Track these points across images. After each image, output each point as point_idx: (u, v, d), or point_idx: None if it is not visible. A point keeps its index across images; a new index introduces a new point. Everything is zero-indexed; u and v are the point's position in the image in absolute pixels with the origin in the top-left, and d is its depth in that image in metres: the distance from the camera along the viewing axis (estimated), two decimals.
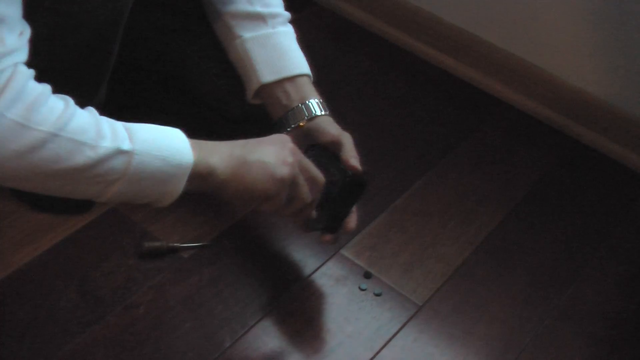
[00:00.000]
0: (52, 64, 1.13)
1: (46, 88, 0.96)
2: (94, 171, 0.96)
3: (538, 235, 1.43)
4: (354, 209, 1.24)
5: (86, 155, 0.94)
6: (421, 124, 1.62)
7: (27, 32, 0.96)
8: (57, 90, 1.13)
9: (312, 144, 1.23)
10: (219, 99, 1.39)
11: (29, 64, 1.07)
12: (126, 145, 0.96)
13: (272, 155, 1.09)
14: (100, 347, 1.17)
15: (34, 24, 1.07)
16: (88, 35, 1.12)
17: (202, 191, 1.06)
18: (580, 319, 1.30)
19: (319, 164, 1.20)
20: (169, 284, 1.26)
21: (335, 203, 1.20)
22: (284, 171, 1.08)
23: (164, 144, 1.00)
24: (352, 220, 1.24)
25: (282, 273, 1.31)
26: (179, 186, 1.02)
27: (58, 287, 1.24)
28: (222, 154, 1.06)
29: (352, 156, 1.21)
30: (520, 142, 1.61)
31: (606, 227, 1.45)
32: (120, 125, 0.98)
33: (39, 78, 1.10)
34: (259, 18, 1.28)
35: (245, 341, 1.21)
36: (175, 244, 1.31)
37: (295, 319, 1.25)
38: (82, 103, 1.16)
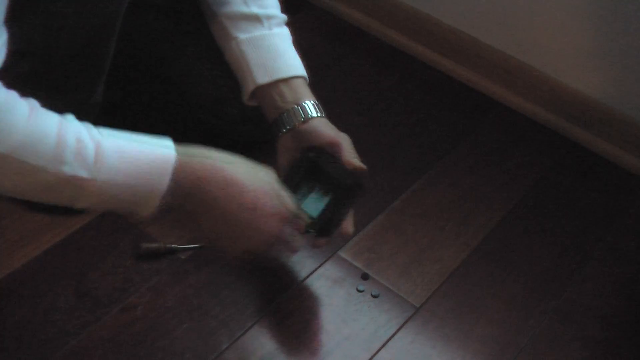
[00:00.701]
0: (47, 65, 1.13)
1: (9, 98, 0.92)
2: (52, 191, 0.96)
3: (535, 237, 1.43)
4: (350, 212, 1.24)
5: (40, 177, 0.93)
6: (418, 125, 1.62)
7: (1, 38, 0.93)
8: (52, 91, 1.13)
9: (310, 146, 1.23)
10: (217, 101, 1.39)
11: (23, 64, 1.07)
12: (85, 173, 0.94)
13: (248, 231, 1.09)
14: (97, 348, 1.17)
15: (28, 25, 1.07)
16: (83, 37, 1.12)
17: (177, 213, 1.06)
18: (577, 320, 1.30)
19: (317, 167, 1.20)
20: (166, 285, 1.26)
21: (333, 207, 1.20)
22: (259, 246, 1.11)
23: (134, 172, 0.98)
24: (349, 225, 1.24)
25: (280, 274, 1.31)
26: (150, 209, 1.01)
27: (56, 288, 1.24)
28: (202, 192, 1.03)
29: (353, 156, 1.21)
30: (517, 144, 1.61)
31: (604, 229, 1.46)
32: (91, 146, 0.95)
33: (35, 79, 1.10)
34: (255, 19, 1.28)
35: (243, 343, 1.21)
36: (173, 246, 1.31)
37: (293, 320, 1.25)
38: (78, 104, 1.16)
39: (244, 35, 1.27)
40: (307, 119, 1.23)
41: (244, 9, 1.28)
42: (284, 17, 1.31)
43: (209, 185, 1.04)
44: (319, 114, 1.24)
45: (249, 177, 1.08)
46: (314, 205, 1.21)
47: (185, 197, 1.02)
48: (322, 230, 1.22)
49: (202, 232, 1.11)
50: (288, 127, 1.23)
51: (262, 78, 1.25)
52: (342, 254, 1.35)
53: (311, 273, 1.31)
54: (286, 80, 1.26)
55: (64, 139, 0.94)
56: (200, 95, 1.40)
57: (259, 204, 1.07)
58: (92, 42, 1.14)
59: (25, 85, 1.12)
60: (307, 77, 1.28)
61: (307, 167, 1.22)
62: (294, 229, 1.14)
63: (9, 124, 0.91)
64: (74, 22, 1.09)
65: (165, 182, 0.99)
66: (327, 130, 1.24)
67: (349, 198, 1.21)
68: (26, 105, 0.94)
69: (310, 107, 1.24)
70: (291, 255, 1.25)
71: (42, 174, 0.93)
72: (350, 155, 1.21)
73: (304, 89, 1.27)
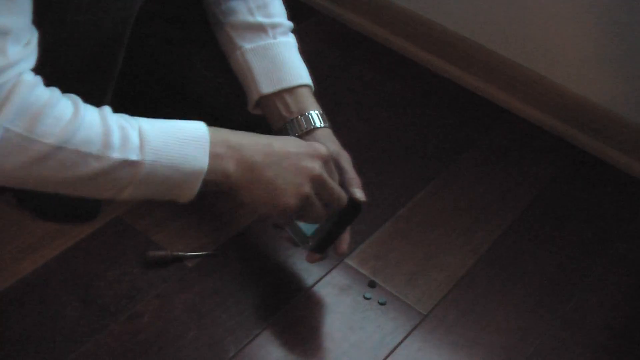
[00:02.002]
0: (56, 73, 1.13)
1: (54, 94, 0.96)
2: (101, 180, 0.97)
3: (542, 244, 1.42)
4: (347, 230, 1.23)
5: (92, 166, 0.95)
6: (425, 132, 1.62)
7: (34, 38, 0.96)
8: None
9: None
10: (223, 108, 1.39)
11: (36, 71, 1.07)
12: (135, 156, 0.97)
13: (287, 179, 1.08)
14: (104, 356, 1.17)
15: (40, 32, 1.07)
16: (93, 45, 1.12)
17: (219, 191, 1.08)
18: (584, 328, 1.30)
19: None
20: (173, 293, 1.26)
21: (331, 224, 1.19)
22: (290, 202, 1.09)
23: (177, 152, 1.00)
24: (344, 243, 1.23)
25: (286, 282, 1.31)
26: (194, 190, 1.04)
27: (62, 296, 1.24)
28: (240, 160, 1.06)
29: (354, 181, 1.20)
30: (524, 151, 1.61)
31: (611, 236, 1.45)
32: (133, 131, 0.98)
33: (46, 86, 1.10)
34: (260, 28, 1.28)
35: (250, 350, 1.21)
36: (180, 253, 1.31)
37: (300, 328, 1.25)
38: None
39: (248, 45, 1.27)
40: (311, 129, 1.23)
41: (249, 18, 1.28)
42: (290, 24, 1.31)
43: (243, 149, 1.06)
44: (323, 125, 1.24)
45: (279, 138, 1.12)
46: (309, 223, 1.21)
47: (225, 172, 1.05)
48: (317, 247, 1.21)
49: (244, 199, 1.10)
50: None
51: (266, 88, 1.25)
52: (349, 261, 1.35)
53: (318, 281, 1.31)
54: (291, 90, 1.25)
55: (108, 126, 0.97)
56: (207, 103, 1.40)
57: (294, 151, 1.09)
58: (101, 51, 1.15)
59: None
60: (312, 86, 1.28)
61: None
62: (326, 199, 1.13)
63: (58, 117, 0.93)
64: (84, 31, 1.09)
65: (205, 158, 1.02)
66: (329, 144, 1.23)
67: (344, 219, 1.20)
68: (69, 99, 0.97)
69: (315, 117, 1.24)
70: (335, 204, 1.16)
71: (94, 162, 0.95)
72: (350, 179, 1.20)
73: (308, 98, 1.26)
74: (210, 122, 1.41)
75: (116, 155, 0.96)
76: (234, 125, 1.40)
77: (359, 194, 1.19)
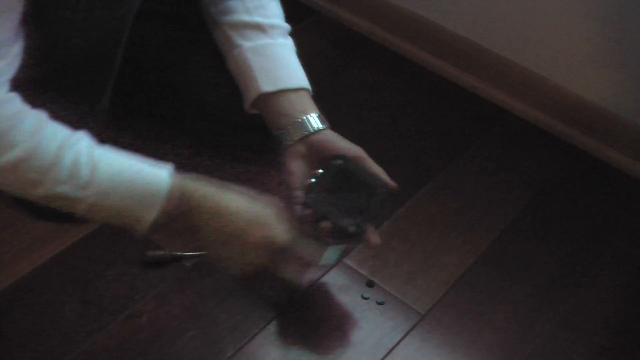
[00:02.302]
0: (54, 72, 1.13)
1: (18, 113, 1.00)
2: (51, 202, 1.04)
3: (541, 244, 1.42)
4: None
5: (40, 190, 1.02)
6: (424, 132, 1.62)
7: (14, 47, 0.99)
8: (59, 98, 1.13)
9: (335, 155, 1.22)
10: (222, 108, 1.39)
11: (31, 71, 1.07)
12: (77, 194, 1.01)
13: (234, 257, 1.11)
14: (102, 356, 1.17)
15: (37, 32, 1.07)
16: (91, 43, 1.12)
17: None
18: (582, 328, 1.30)
19: (352, 176, 1.21)
20: (171, 293, 1.26)
21: (369, 214, 1.20)
22: (238, 273, 1.12)
23: (123, 201, 1.04)
24: (374, 236, 1.22)
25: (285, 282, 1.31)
26: (141, 229, 1.06)
27: (61, 296, 1.24)
28: (185, 226, 1.08)
29: (380, 170, 1.22)
30: (523, 151, 1.61)
31: (609, 236, 1.45)
32: (84, 170, 1.01)
33: (42, 86, 1.11)
34: (259, 28, 1.28)
35: (248, 350, 1.21)
36: (178, 253, 1.31)
37: (298, 327, 1.25)
38: (85, 110, 1.16)
39: (248, 43, 1.27)
40: (317, 130, 1.23)
41: (246, 18, 1.28)
42: (288, 27, 1.31)
43: (199, 214, 1.07)
44: (323, 126, 1.24)
45: (240, 208, 1.10)
46: (350, 209, 1.20)
47: (173, 224, 1.07)
48: (356, 236, 1.21)
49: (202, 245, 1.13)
50: (298, 138, 1.23)
51: (266, 86, 1.25)
52: (348, 261, 1.35)
53: (316, 280, 1.31)
54: (291, 91, 1.25)
55: (61, 159, 1.01)
56: (205, 103, 1.40)
57: (245, 234, 1.09)
58: (100, 50, 1.15)
59: (32, 92, 1.13)
60: (311, 90, 1.28)
61: (335, 174, 1.22)
62: (294, 262, 1.14)
63: (14, 139, 0.98)
64: (83, 30, 1.10)
65: (153, 211, 1.04)
66: (341, 141, 1.23)
67: (381, 207, 1.21)
68: (35, 119, 1.01)
69: (315, 119, 1.24)
70: (291, 287, 1.22)
71: (40, 187, 1.02)
72: (374, 167, 1.22)
73: (308, 101, 1.27)
74: (208, 122, 1.42)
75: (59, 188, 1.01)
76: (232, 124, 1.40)
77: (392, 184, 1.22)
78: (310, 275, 1.22)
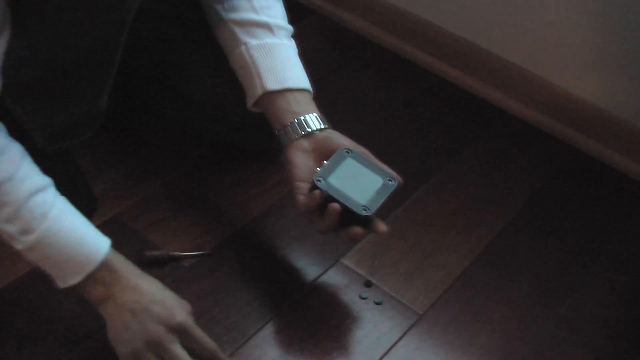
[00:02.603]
0: (53, 72, 1.13)
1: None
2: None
3: (539, 244, 1.43)
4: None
5: None
6: (421, 132, 1.62)
7: None
8: (58, 99, 1.14)
9: (346, 148, 1.22)
10: (218, 107, 1.39)
11: (29, 72, 1.07)
12: (20, 237, 1.07)
13: (129, 329, 1.11)
14: (101, 357, 1.17)
15: (35, 33, 1.07)
16: (91, 43, 1.12)
17: None
18: (580, 328, 1.30)
19: (360, 166, 1.21)
20: None
21: (377, 202, 1.19)
22: (124, 349, 1.12)
23: (57, 258, 1.09)
24: (382, 223, 1.21)
25: (283, 282, 1.31)
26: (65, 284, 1.11)
27: (58, 297, 1.23)
28: (107, 299, 1.12)
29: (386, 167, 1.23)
30: (520, 151, 1.61)
31: (607, 235, 1.45)
32: (37, 217, 1.06)
33: (41, 87, 1.11)
34: (266, 27, 1.28)
35: (246, 350, 1.21)
36: (176, 253, 1.31)
37: (296, 327, 1.25)
38: (83, 111, 1.16)
39: (254, 41, 1.27)
40: (320, 129, 1.23)
41: (253, 16, 1.28)
42: (292, 29, 1.32)
43: (118, 287, 1.11)
44: (324, 127, 1.24)
45: (157, 290, 1.14)
46: (360, 194, 1.19)
47: (92, 291, 1.12)
48: (365, 221, 1.19)
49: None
50: (300, 135, 1.23)
51: (272, 85, 1.25)
52: (345, 261, 1.35)
53: (314, 280, 1.31)
54: (294, 91, 1.26)
55: (21, 203, 1.05)
56: (203, 103, 1.40)
57: (146, 308, 1.11)
58: (99, 51, 1.15)
59: (31, 93, 1.13)
60: (312, 93, 1.28)
61: (344, 161, 1.21)
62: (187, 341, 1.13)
63: None
64: (81, 31, 1.09)
65: (77, 277, 1.10)
66: (345, 140, 1.24)
67: (389, 196, 1.21)
68: (10, 162, 1.05)
69: (319, 119, 1.24)
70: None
71: None
72: (379, 163, 1.22)
73: (310, 103, 1.27)
74: (206, 121, 1.42)
75: (6, 226, 1.07)
76: (230, 125, 1.40)
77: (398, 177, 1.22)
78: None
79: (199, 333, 1.12)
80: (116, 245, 1.30)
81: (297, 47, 1.32)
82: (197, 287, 1.28)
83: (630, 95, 1.55)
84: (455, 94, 1.73)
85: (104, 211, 1.36)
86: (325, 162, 1.21)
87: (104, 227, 1.32)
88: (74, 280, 1.10)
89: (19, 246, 1.08)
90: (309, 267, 1.33)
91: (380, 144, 1.56)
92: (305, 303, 1.29)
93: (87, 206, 1.35)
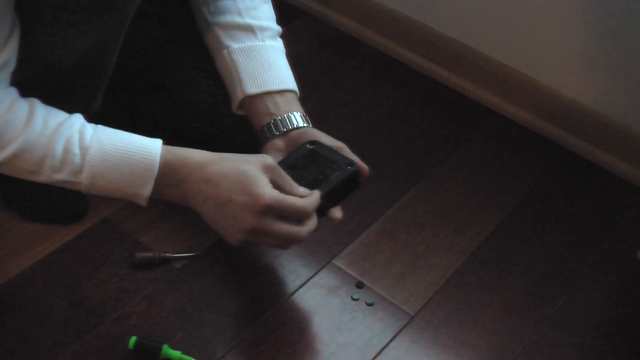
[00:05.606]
0: (49, 73, 1.13)
1: (8, 113, 1.05)
2: (53, 184, 1.11)
3: (530, 245, 1.43)
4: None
5: (40, 179, 1.10)
6: (413, 134, 1.62)
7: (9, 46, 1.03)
8: (52, 99, 1.13)
9: (310, 140, 1.22)
10: (211, 109, 1.39)
11: (24, 72, 1.07)
12: (72, 178, 1.09)
13: (225, 225, 1.12)
14: (92, 358, 1.17)
15: (33, 33, 1.07)
16: (89, 45, 1.12)
17: None
18: (572, 328, 1.30)
19: (320, 155, 1.20)
20: (161, 295, 1.26)
21: (334, 190, 1.19)
22: (231, 241, 1.13)
23: (118, 179, 1.10)
24: (338, 211, 1.22)
25: (274, 283, 1.31)
26: (140, 202, 1.13)
27: (50, 298, 1.23)
28: (182, 198, 1.13)
29: (356, 158, 1.23)
30: (512, 153, 1.61)
31: (598, 236, 1.46)
32: (76, 156, 1.07)
33: (36, 87, 1.11)
34: (249, 30, 1.28)
35: (237, 352, 1.21)
36: (168, 254, 1.31)
37: (288, 329, 1.25)
38: (79, 111, 1.16)
39: (236, 44, 1.28)
40: (298, 127, 1.24)
41: (237, 19, 1.28)
42: (279, 29, 1.31)
43: (190, 184, 1.11)
44: (306, 125, 1.24)
45: (227, 174, 1.11)
46: (312, 183, 1.19)
47: (171, 195, 1.13)
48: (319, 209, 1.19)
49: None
50: (278, 133, 1.23)
51: (252, 88, 1.25)
52: (337, 262, 1.35)
53: (305, 282, 1.31)
54: (276, 93, 1.26)
55: (52, 150, 1.07)
56: (196, 104, 1.40)
57: (229, 200, 1.10)
58: (96, 52, 1.15)
59: (25, 93, 1.12)
60: (297, 92, 1.28)
61: (303, 154, 1.22)
62: (278, 219, 1.12)
63: (6, 138, 1.05)
64: (79, 32, 1.09)
65: (147, 188, 1.11)
66: (323, 136, 1.24)
67: (350, 187, 1.21)
68: (25, 112, 1.06)
69: (298, 117, 1.25)
70: (290, 244, 1.18)
71: (39, 175, 1.09)
72: (351, 155, 1.23)
73: (293, 102, 1.27)
74: (199, 123, 1.42)
75: (56, 175, 1.09)
76: (222, 126, 1.40)
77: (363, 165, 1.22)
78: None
79: (288, 202, 1.11)
80: (107, 248, 1.31)
81: (287, 47, 1.32)
82: (188, 289, 1.28)
83: (620, 96, 1.55)
84: (446, 96, 1.73)
85: (95, 213, 1.36)
86: (284, 156, 1.22)
87: (95, 229, 1.33)
88: (146, 191, 1.10)
89: (81, 187, 1.10)
90: (300, 269, 1.33)
91: (371, 145, 1.57)
92: (297, 304, 1.29)
93: (78, 208, 1.35)
